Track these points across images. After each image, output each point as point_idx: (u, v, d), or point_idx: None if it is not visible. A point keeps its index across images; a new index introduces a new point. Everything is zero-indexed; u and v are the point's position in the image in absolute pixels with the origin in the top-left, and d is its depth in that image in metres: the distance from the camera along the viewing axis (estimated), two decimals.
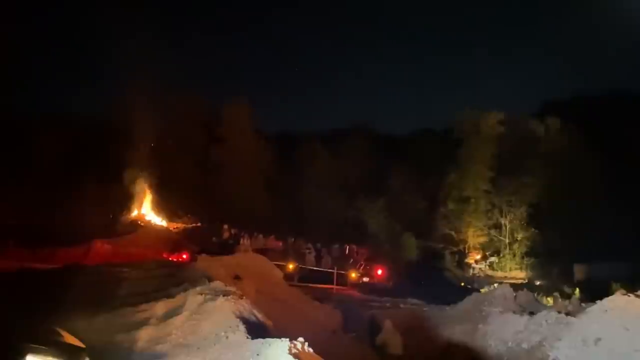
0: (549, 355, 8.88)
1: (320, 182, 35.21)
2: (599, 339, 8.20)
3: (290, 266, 21.91)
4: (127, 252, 18.32)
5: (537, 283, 27.60)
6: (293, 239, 29.49)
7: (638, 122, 32.30)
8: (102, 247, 19.88)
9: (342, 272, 24.23)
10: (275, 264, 15.11)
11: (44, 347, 1.98)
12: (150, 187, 30.64)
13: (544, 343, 9.31)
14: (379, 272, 26.02)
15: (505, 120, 35.12)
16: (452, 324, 12.30)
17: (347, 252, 29.29)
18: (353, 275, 24.58)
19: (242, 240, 26.72)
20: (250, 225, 28.88)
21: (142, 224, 28.16)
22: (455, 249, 34.08)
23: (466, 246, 34.26)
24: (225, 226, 28.27)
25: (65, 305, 6.94)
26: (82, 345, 2.28)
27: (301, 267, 23.61)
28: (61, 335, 2.26)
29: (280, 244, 28.65)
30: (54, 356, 2.00)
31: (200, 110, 35.36)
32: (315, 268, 24.83)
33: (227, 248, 23.69)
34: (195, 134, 34.48)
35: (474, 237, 34.15)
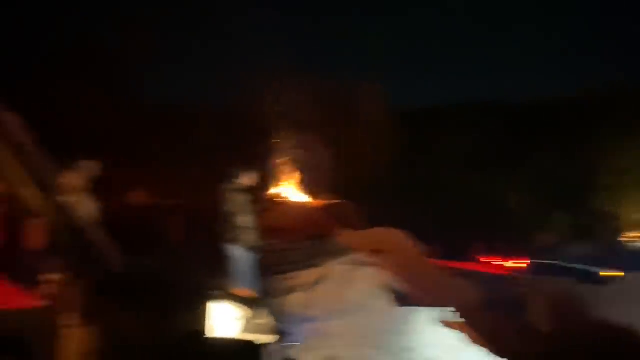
0: None
1: (456, 158, 34.20)
2: None
3: None
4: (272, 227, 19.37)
5: None
6: None
7: None
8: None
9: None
10: None
11: (229, 295, 2.27)
12: (293, 168, 32.14)
13: None
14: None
15: None
16: (608, 304, 11.40)
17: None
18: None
19: None
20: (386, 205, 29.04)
21: (285, 201, 29.75)
22: (610, 226, 31.21)
23: (622, 223, 31.21)
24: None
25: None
26: (257, 297, 2.56)
27: None
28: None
29: None
30: (240, 303, 2.28)
31: (333, 91, 36.05)
32: None
33: None
34: (330, 115, 35.26)
35: (633, 212, 30.97)
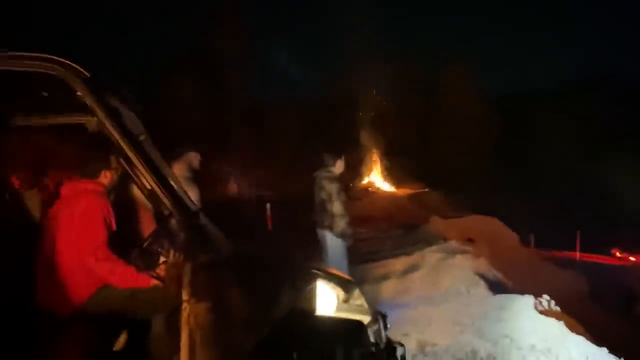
0: None
1: (555, 140, 32.39)
2: None
3: None
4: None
5: None
6: None
7: None
8: None
9: None
10: None
11: (328, 276, 2.37)
12: (378, 155, 32.05)
13: None
14: None
15: None
16: None
17: None
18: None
19: None
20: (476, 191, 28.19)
21: (372, 191, 29.72)
22: None
23: None
24: None
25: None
26: (352, 279, 2.65)
27: None
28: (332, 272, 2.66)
29: None
30: (335, 284, 2.38)
31: (418, 76, 35.41)
32: None
33: None
34: (417, 100, 34.71)
35: None
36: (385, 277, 7.49)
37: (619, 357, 4.36)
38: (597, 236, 23.20)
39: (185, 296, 2.13)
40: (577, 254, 20.59)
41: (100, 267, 2.76)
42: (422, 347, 4.90)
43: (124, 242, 3.04)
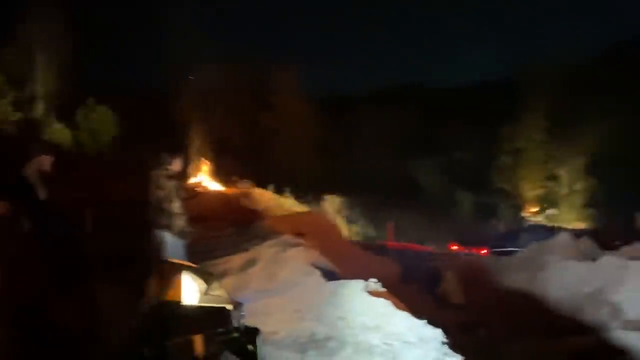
0: (611, 299, 8.99)
1: (372, 142, 35.31)
2: None
3: None
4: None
5: (595, 234, 27.08)
6: None
7: None
8: None
9: None
10: None
11: (190, 268, 2.46)
12: (206, 154, 31.70)
13: (606, 288, 9.39)
14: None
15: (564, 68, 33.53)
16: (512, 272, 12.49)
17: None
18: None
19: None
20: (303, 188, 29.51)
21: (200, 190, 29.30)
22: (511, 203, 33.66)
23: (522, 200, 33.77)
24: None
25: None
26: (212, 272, 2.78)
27: None
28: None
29: None
30: (197, 275, 2.48)
31: (249, 76, 35.85)
32: None
33: None
34: (245, 100, 35.08)
35: (530, 189, 33.56)
36: (224, 274, 7.57)
37: (436, 327, 5.08)
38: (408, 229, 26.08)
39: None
40: (390, 243, 23.01)
41: None
42: (264, 337, 5.13)
43: None
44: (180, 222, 5.65)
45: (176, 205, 5.62)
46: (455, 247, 22.00)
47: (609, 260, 10.27)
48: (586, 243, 13.05)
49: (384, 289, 5.72)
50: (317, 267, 6.97)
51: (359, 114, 36.97)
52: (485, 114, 35.31)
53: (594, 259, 11.04)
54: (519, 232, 22.03)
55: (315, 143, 35.75)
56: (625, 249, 11.60)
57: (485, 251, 19.73)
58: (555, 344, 8.09)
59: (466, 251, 20.16)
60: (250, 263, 7.84)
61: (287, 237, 9.04)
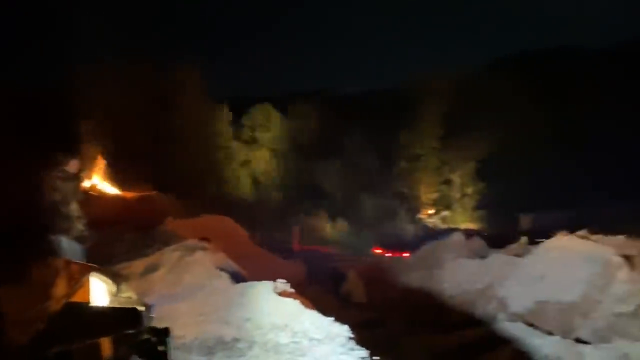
0: (498, 293, 9.77)
1: (275, 146, 35.37)
2: (543, 276, 9.07)
3: None
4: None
5: (486, 234, 29.15)
6: None
7: (586, 74, 33.66)
8: None
9: None
10: None
11: (99, 269, 2.40)
12: (103, 157, 30.06)
13: (494, 283, 10.19)
14: None
15: (455, 77, 35.71)
16: (411, 271, 13.15)
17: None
18: None
19: None
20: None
21: (95, 194, 27.74)
22: (409, 206, 35.21)
23: (419, 202, 35.46)
24: None
25: None
26: (121, 274, 2.73)
27: None
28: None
29: None
30: (107, 277, 2.42)
31: (151, 76, 34.54)
32: None
33: None
34: (146, 100, 33.73)
35: (426, 193, 35.36)
36: (125, 280, 7.28)
37: (342, 324, 5.24)
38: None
39: None
40: (296, 246, 23.28)
41: None
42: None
43: None
44: (78, 226, 5.36)
45: (75, 208, 5.33)
46: (379, 251, 22.57)
47: (496, 258, 11.14)
48: (477, 242, 14.01)
49: (292, 290, 5.81)
50: (224, 270, 6.91)
51: (262, 116, 36.75)
52: (385, 121, 36.69)
53: (483, 257, 11.95)
54: (438, 235, 23.26)
55: (218, 146, 35.14)
56: (511, 247, 12.60)
57: (407, 254, 20.50)
58: (449, 337, 8.67)
59: (390, 254, 20.75)
60: (153, 268, 7.60)
61: (192, 241, 8.86)
